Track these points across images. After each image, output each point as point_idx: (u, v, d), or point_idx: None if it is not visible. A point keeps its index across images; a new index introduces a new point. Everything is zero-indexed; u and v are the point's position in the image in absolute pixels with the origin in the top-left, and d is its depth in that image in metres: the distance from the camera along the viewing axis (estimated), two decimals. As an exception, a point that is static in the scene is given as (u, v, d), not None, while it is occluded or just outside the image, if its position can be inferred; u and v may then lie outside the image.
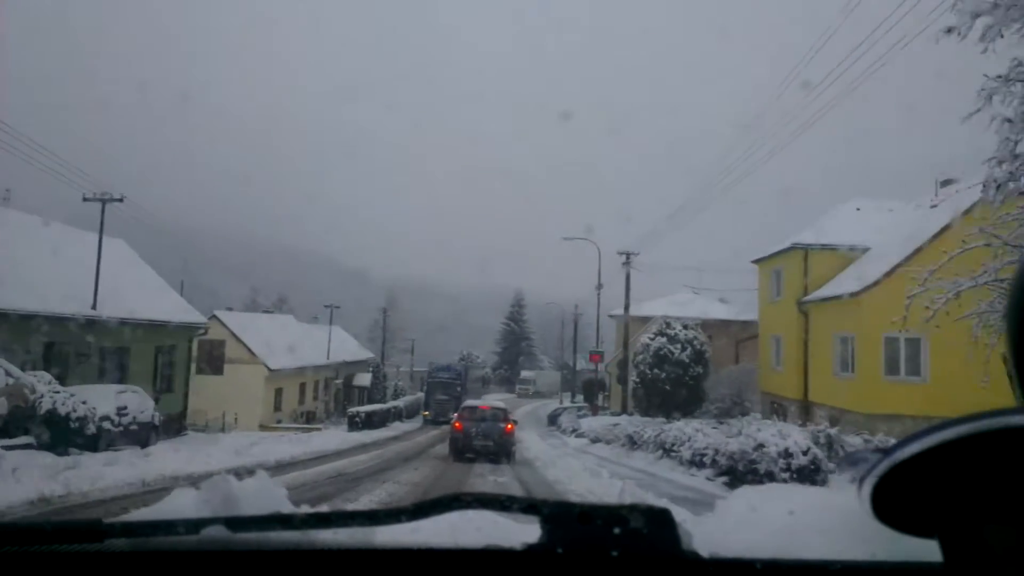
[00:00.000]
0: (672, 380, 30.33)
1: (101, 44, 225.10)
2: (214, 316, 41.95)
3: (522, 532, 1.31)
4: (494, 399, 37.15)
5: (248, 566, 1.24)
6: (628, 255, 35.54)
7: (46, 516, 9.04)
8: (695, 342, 30.98)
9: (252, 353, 42.33)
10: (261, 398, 41.42)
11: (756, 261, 31.00)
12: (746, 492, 2.37)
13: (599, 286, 38.17)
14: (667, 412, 30.32)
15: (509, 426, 21.02)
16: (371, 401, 49.00)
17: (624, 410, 36.25)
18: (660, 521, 1.20)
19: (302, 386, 48.99)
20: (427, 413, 44.73)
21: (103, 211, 24.41)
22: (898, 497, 0.90)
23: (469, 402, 25.35)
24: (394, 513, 1.24)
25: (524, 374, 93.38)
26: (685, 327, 31.32)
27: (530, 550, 1.21)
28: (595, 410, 39.63)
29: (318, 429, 36.95)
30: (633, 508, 1.20)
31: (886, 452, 0.86)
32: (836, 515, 1.47)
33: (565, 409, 47.00)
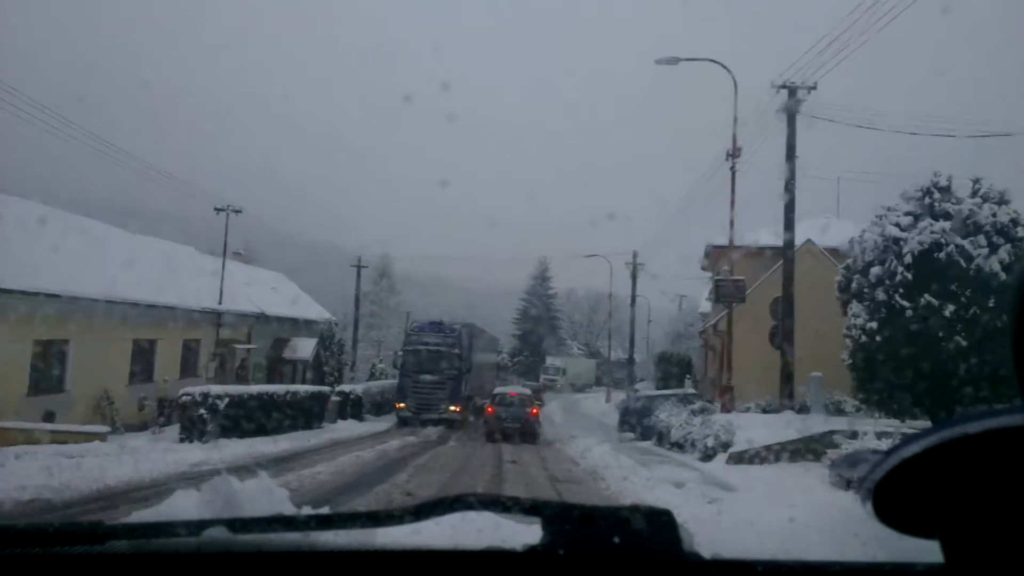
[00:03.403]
0: (966, 324, 12.26)
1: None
2: None
3: (523, 534, 1.26)
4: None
5: (249, 568, 1.22)
6: (794, 88, 17.84)
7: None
8: (1016, 234, 12.99)
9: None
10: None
11: None
12: (747, 494, 2.25)
13: (733, 153, 19.82)
14: (930, 406, 12.40)
15: (534, 410, 23.92)
16: (319, 383, 29.39)
17: (783, 398, 18.28)
18: (661, 522, 1.15)
19: (143, 346, 25.12)
20: (402, 405, 26.81)
21: None
22: (899, 498, 0.89)
23: (500, 389, 26.08)
24: (395, 515, 1.21)
25: (550, 361, 71.22)
26: (985, 199, 13.23)
27: (531, 551, 1.17)
28: (725, 400, 20.65)
29: (100, 437, 16.89)
30: (635, 509, 1.15)
31: (887, 453, 0.85)
32: (837, 516, 1.39)
33: (653, 399, 26.10)
